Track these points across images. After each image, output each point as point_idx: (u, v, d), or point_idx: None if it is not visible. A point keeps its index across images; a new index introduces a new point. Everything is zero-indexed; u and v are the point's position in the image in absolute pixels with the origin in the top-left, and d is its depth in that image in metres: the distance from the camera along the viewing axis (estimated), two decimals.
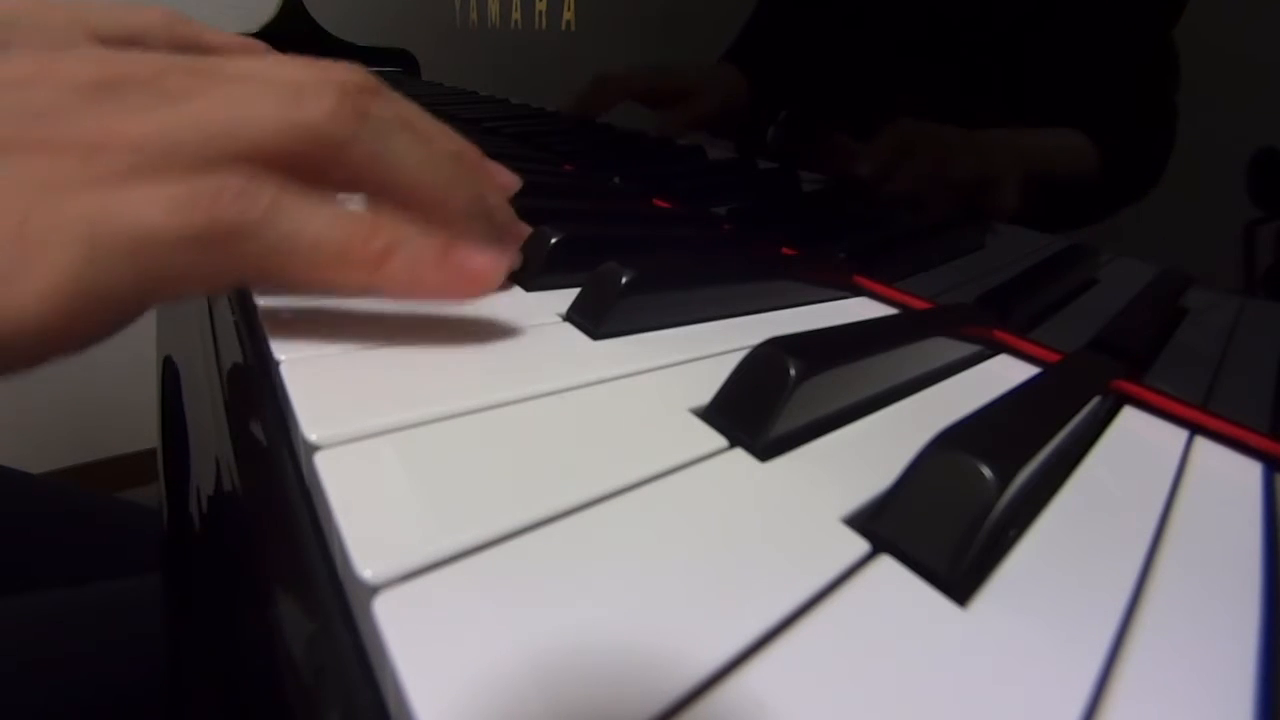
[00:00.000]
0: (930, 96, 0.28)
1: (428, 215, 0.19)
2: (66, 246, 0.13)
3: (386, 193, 0.19)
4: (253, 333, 0.21)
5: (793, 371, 0.16)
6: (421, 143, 0.20)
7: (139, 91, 0.16)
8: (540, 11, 0.51)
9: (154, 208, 0.14)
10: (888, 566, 0.13)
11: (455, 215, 0.20)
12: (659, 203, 0.43)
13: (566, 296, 0.23)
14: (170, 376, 0.24)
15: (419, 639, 0.09)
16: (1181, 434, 0.21)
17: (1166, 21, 0.21)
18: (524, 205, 0.30)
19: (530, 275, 0.25)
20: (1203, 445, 0.20)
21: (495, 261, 0.19)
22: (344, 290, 0.18)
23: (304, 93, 0.17)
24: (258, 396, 0.18)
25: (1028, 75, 0.25)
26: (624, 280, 0.21)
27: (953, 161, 0.28)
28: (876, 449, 0.17)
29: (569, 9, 0.48)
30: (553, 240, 0.25)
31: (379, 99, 0.19)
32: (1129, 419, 0.21)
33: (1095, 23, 0.23)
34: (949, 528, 0.12)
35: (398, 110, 0.20)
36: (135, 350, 1.22)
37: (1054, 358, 0.24)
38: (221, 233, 0.15)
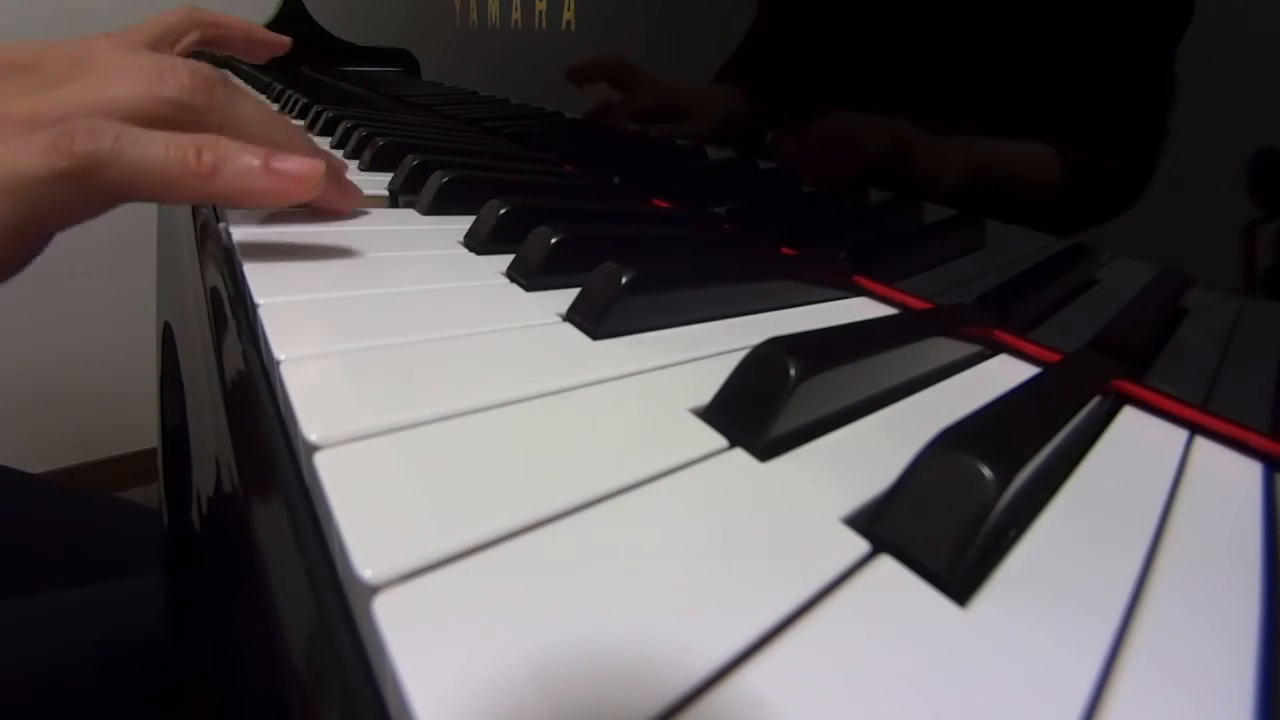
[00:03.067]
0: (920, 105, 0.28)
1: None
2: None
3: (241, 135, 0.23)
4: (253, 332, 0.21)
5: (793, 371, 0.16)
6: (259, 107, 0.26)
7: (36, 81, 0.21)
8: (540, 11, 0.51)
9: (27, 155, 0.19)
10: (888, 566, 0.13)
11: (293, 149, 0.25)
12: (659, 203, 0.43)
13: (566, 296, 0.23)
14: (170, 376, 0.24)
15: (419, 639, 0.09)
16: (1181, 434, 0.21)
17: (1155, 41, 0.21)
18: (524, 205, 0.30)
19: (530, 275, 0.25)
20: (1203, 445, 0.20)
21: (313, 164, 0.24)
22: (189, 202, 0.23)
23: (165, 73, 0.23)
24: (258, 396, 0.18)
25: (1014, 86, 0.25)
26: (624, 280, 0.21)
27: (876, 152, 0.30)
28: (876, 449, 0.17)
29: (569, 9, 0.48)
30: (553, 240, 0.25)
31: (224, 82, 0.25)
32: (1129, 419, 0.21)
33: (1082, 39, 0.23)
34: (949, 528, 0.12)
35: (237, 90, 0.25)
36: (135, 350, 1.23)
37: (1054, 358, 0.24)
38: (81, 166, 0.20)
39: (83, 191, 0.21)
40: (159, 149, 0.21)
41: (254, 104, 0.26)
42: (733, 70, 0.37)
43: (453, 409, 0.16)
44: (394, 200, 0.37)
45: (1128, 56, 0.22)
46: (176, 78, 0.23)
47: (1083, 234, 0.24)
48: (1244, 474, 0.19)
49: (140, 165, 0.21)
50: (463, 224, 0.32)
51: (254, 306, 0.20)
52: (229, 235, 0.27)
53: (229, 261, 0.26)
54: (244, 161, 0.23)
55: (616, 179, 0.47)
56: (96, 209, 0.22)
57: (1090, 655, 0.11)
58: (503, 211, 0.30)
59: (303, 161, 0.24)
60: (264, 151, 0.23)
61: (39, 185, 0.20)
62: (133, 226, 1.15)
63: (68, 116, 0.20)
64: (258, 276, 0.22)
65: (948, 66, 0.27)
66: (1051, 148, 0.24)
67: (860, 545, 0.13)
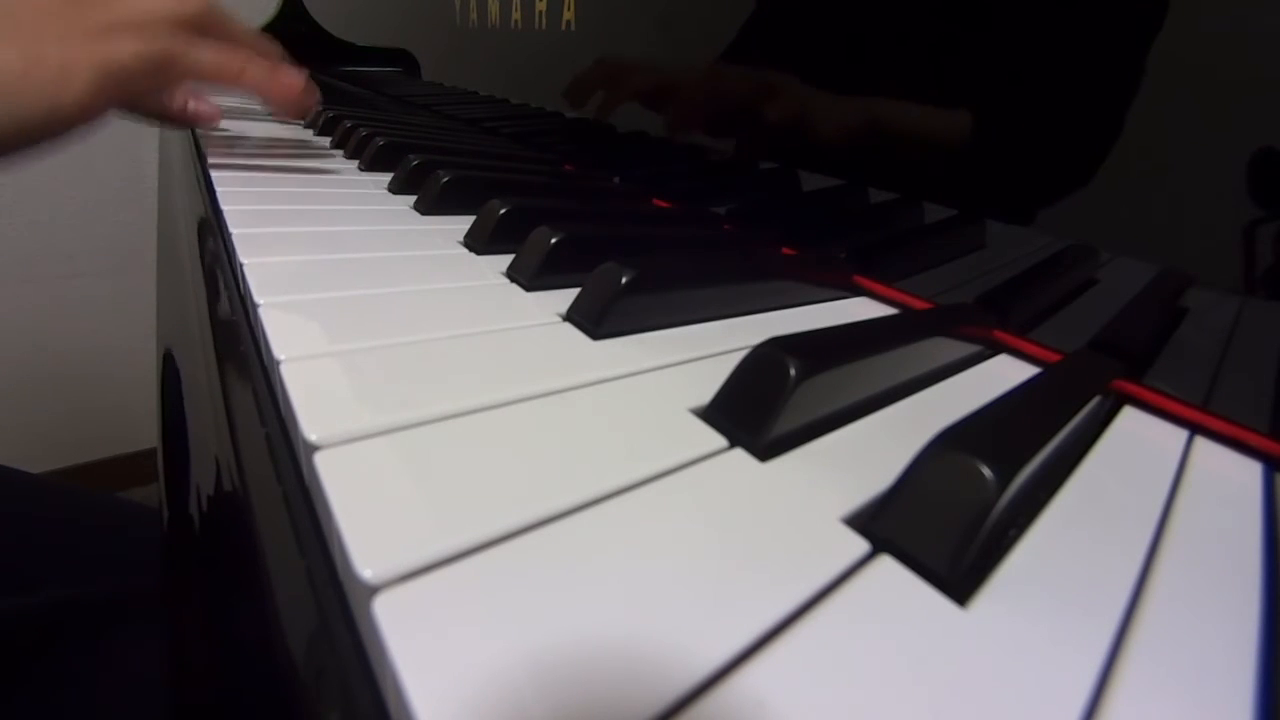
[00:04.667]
0: (910, 85, 0.28)
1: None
2: (86, 71, 0.29)
3: (239, 46, 0.37)
4: (253, 332, 0.21)
5: (793, 371, 0.16)
6: (244, 26, 0.39)
7: (92, 1, 0.31)
8: (540, 11, 0.51)
9: (128, 46, 0.31)
10: (888, 566, 0.13)
11: (272, 58, 0.39)
12: (659, 203, 0.43)
13: (566, 296, 0.23)
14: (170, 376, 0.24)
15: (419, 639, 0.09)
16: (1181, 434, 0.21)
17: (1090, 24, 0.21)
18: (524, 205, 0.30)
19: (530, 275, 0.25)
20: (1203, 445, 0.20)
21: (299, 76, 0.39)
22: (227, 84, 0.36)
23: None
24: (258, 396, 0.18)
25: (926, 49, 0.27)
26: (624, 280, 0.21)
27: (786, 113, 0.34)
28: (876, 449, 0.17)
29: (569, 9, 0.48)
30: (553, 240, 0.25)
31: (222, 10, 0.38)
32: (1129, 419, 0.21)
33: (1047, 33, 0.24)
34: (949, 528, 0.12)
35: (228, 12, 0.38)
36: (135, 350, 1.23)
37: (1054, 358, 0.24)
38: (161, 61, 0.32)
39: (158, 76, 0.32)
40: (210, 53, 0.34)
41: (243, 26, 0.40)
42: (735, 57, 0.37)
43: (453, 409, 0.16)
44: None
45: (1057, 33, 0.23)
46: (193, 1, 0.35)
47: (1082, 234, 0.24)
48: (1244, 474, 0.19)
49: (199, 63, 0.34)
50: (463, 224, 0.32)
51: (254, 306, 0.20)
52: (229, 236, 0.27)
53: (229, 261, 0.26)
54: (260, 65, 0.37)
55: (616, 179, 0.47)
56: (166, 84, 0.36)
57: (1090, 655, 0.11)
58: (503, 212, 0.30)
59: (294, 74, 0.39)
60: (270, 64, 0.38)
61: (134, 69, 0.31)
62: (133, 227, 1.16)
63: (132, 23, 0.32)
64: (258, 276, 0.22)
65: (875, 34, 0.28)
66: (969, 115, 0.26)
67: (860, 545, 0.13)
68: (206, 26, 0.35)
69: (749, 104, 0.36)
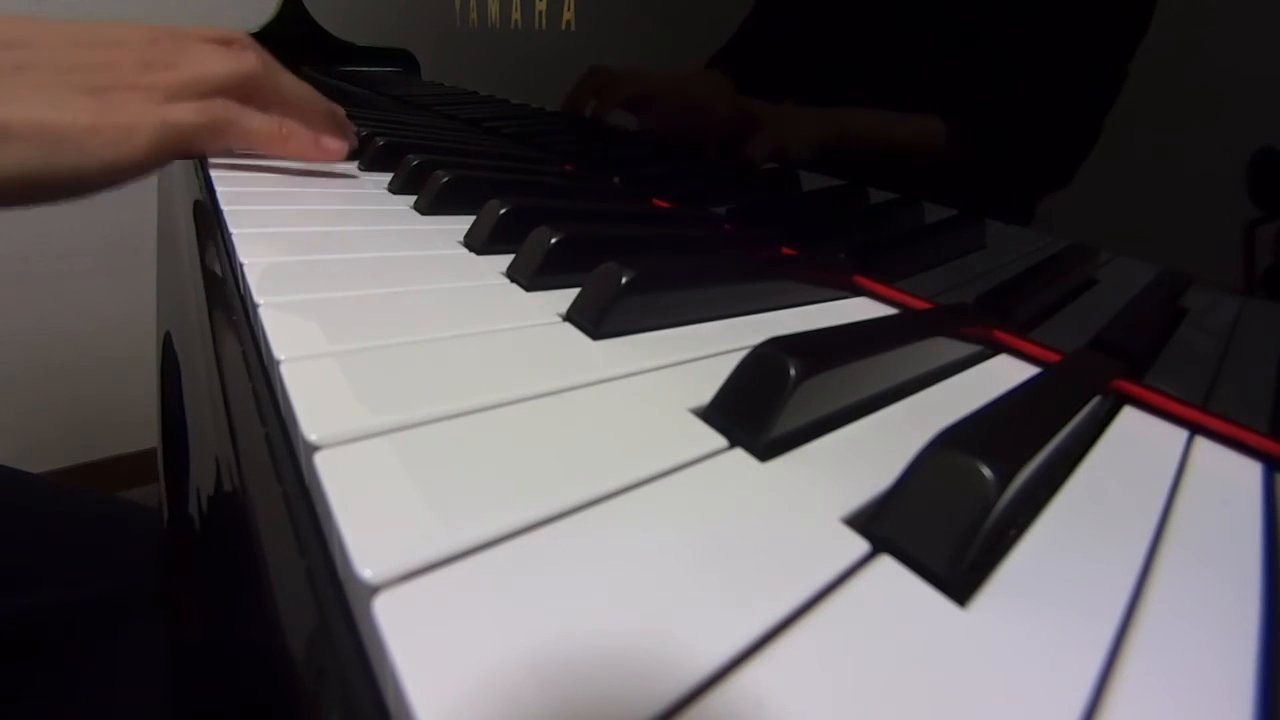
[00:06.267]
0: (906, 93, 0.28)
1: (305, 119, 0.41)
2: (150, 130, 0.32)
3: (284, 106, 0.40)
4: (253, 332, 0.21)
5: (793, 371, 0.16)
6: (296, 81, 0.41)
7: (160, 62, 0.34)
8: (540, 11, 0.51)
9: (188, 114, 0.33)
10: (888, 566, 0.13)
11: (317, 116, 0.43)
12: (659, 203, 0.43)
13: (566, 296, 0.23)
14: (170, 376, 0.24)
15: (419, 639, 0.09)
16: (1181, 434, 0.21)
17: (1081, 40, 0.22)
18: (524, 205, 0.30)
19: (530, 275, 0.25)
20: (1203, 445, 0.20)
21: (341, 143, 0.42)
22: (271, 153, 0.39)
23: (241, 55, 0.38)
24: (258, 396, 0.18)
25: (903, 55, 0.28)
26: (624, 280, 0.21)
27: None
28: (876, 449, 0.17)
29: (569, 9, 0.48)
30: (552, 240, 0.25)
31: (270, 57, 0.40)
32: (1129, 419, 0.21)
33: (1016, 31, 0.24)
34: (949, 528, 0.12)
35: (280, 66, 0.41)
36: (135, 350, 1.23)
37: (1054, 358, 0.24)
38: (218, 125, 0.35)
39: (211, 141, 0.35)
40: (260, 122, 0.38)
41: (291, 78, 0.41)
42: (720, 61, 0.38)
43: (453, 409, 0.16)
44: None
45: (1054, 31, 0.23)
46: (247, 57, 0.38)
47: (1083, 233, 0.24)
48: (1244, 474, 0.19)
49: (249, 130, 0.37)
50: (463, 224, 0.32)
51: (254, 306, 0.20)
52: (229, 236, 0.27)
53: (229, 261, 0.26)
54: (304, 135, 0.40)
55: (616, 179, 0.47)
56: (217, 148, 0.37)
57: (1091, 655, 0.11)
58: (503, 211, 0.30)
59: (336, 142, 0.42)
60: (314, 134, 0.41)
61: (192, 131, 0.34)
62: (133, 227, 1.16)
63: (195, 88, 0.34)
64: (258, 276, 0.22)
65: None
66: (969, 116, 0.26)
67: (860, 545, 0.13)
68: (261, 83, 0.38)
69: (733, 130, 0.37)
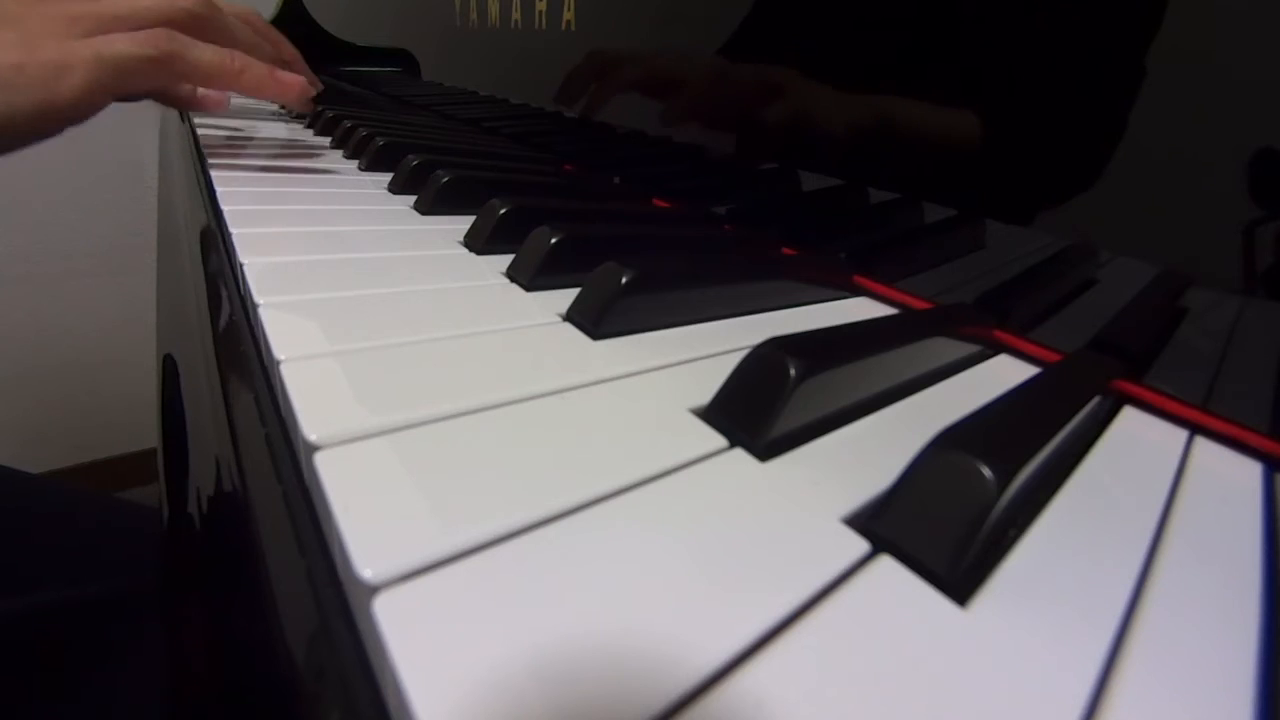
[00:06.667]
0: (916, 82, 0.28)
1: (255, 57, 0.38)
2: (85, 65, 0.29)
3: (238, 43, 0.37)
4: (253, 332, 0.21)
5: (793, 371, 0.16)
6: (244, 22, 0.41)
7: None
8: (540, 11, 0.51)
9: (126, 44, 0.31)
10: (888, 567, 0.13)
11: (267, 59, 0.40)
12: (659, 203, 0.43)
13: (566, 296, 0.23)
14: (170, 376, 0.24)
15: (419, 639, 0.09)
16: (1181, 434, 0.21)
17: (1095, 27, 0.22)
18: (524, 205, 0.30)
19: (530, 275, 0.25)
20: (1203, 445, 0.20)
21: (298, 77, 0.40)
22: (224, 88, 0.37)
23: None
24: (258, 396, 0.18)
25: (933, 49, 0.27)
26: (624, 280, 0.21)
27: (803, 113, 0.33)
28: (876, 449, 0.17)
29: (569, 9, 0.48)
30: (553, 240, 0.25)
31: (218, 6, 0.38)
32: (1129, 419, 0.21)
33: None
34: (949, 528, 0.12)
35: (223, 7, 0.39)
36: (135, 350, 1.23)
37: (1054, 358, 0.24)
38: (161, 56, 0.32)
39: (155, 76, 0.32)
40: (210, 53, 0.35)
41: (238, 21, 0.40)
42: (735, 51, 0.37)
43: (453, 409, 0.16)
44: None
45: (1062, 35, 0.23)
46: None
47: (1084, 233, 0.24)
48: (1244, 474, 0.19)
49: (198, 62, 0.34)
50: (463, 224, 0.32)
51: (254, 306, 0.20)
52: (229, 236, 0.27)
53: (229, 261, 0.26)
54: (259, 67, 0.37)
55: (616, 179, 0.47)
56: (163, 84, 0.35)
57: (1090, 655, 0.11)
58: (503, 211, 0.30)
59: (293, 75, 0.40)
60: (270, 67, 0.38)
61: (133, 63, 0.31)
62: (133, 227, 1.16)
63: (130, 18, 0.32)
64: (258, 276, 0.22)
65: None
66: (972, 115, 0.26)
67: (860, 545, 0.13)
68: (206, 20, 0.36)
69: (750, 99, 0.35)
